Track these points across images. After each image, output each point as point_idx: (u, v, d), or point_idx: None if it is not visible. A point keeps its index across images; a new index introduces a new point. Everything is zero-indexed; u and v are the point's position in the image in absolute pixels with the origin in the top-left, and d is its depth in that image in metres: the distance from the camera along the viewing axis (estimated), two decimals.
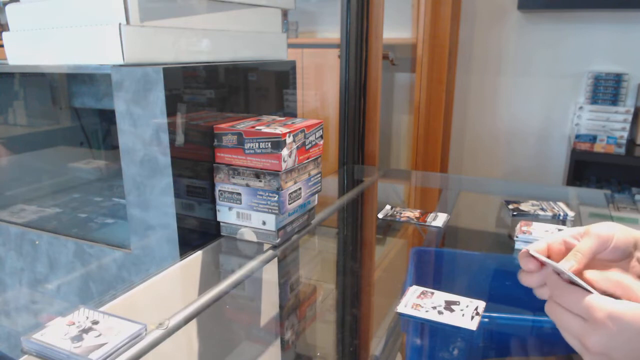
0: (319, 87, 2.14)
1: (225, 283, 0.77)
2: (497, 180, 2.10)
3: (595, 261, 0.50)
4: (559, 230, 0.93)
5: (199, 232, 0.89)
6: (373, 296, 0.83)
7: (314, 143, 0.91)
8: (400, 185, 1.55)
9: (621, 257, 0.51)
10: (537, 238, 0.89)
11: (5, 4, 0.92)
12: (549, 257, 0.51)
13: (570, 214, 1.07)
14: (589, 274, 0.47)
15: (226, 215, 0.90)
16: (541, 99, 2.35)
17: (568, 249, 0.51)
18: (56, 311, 1.04)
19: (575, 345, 0.46)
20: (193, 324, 0.67)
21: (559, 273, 0.47)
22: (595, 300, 0.44)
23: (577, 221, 1.07)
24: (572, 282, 0.46)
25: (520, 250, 0.93)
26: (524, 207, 1.13)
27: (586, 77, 2.20)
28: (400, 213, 1.13)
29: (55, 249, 0.99)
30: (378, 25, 1.53)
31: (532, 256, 0.49)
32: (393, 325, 0.71)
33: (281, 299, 0.79)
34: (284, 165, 0.82)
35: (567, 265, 0.47)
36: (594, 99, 2.16)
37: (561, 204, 1.14)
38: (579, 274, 0.46)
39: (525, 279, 0.51)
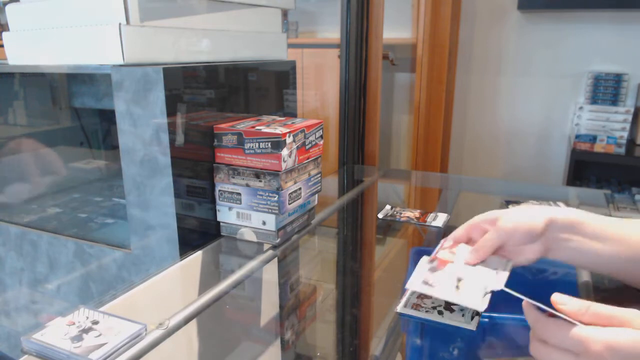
0: (319, 87, 2.14)
1: (225, 283, 0.77)
2: (497, 180, 2.10)
3: (506, 246, 0.57)
4: None
5: (199, 232, 0.89)
6: (373, 296, 0.83)
7: (314, 143, 0.91)
8: (400, 185, 1.55)
9: (530, 241, 0.57)
10: None
11: (5, 4, 0.92)
12: (468, 240, 0.57)
13: None
14: (569, 307, 0.44)
15: (226, 215, 0.90)
16: (541, 99, 2.35)
17: (483, 230, 0.59)
18: (56, 311, 1.04)
19: None
20: (193, 324, 0.67)
21: (540, 308, 0.45)
22: (586, 332, 0.41)
23: None
24: (554, 315, 0.43)
25: None
26: (524, 206, 1.13)
27: (586, 77, 2.20)
28: (400, 213, 1.13)
29: (55, 249, 0.99)
30: (378, 25, 1.53)
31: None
32: (393, 325, 0.71)
33: (281, 299, 0.79)
34: (284, 165, 0.82)
35: (470, 258, 0.56)
36: (594, 99, 2.16)
37: (561, 204, 1.13)
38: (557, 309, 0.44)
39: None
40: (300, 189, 0.89)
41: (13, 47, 0.93)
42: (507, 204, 1.16)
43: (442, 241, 0.68)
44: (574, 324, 0.41)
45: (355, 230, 1.13)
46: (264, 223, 0.87)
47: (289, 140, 0.82)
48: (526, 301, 0.47)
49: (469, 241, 0.62)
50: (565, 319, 0.42)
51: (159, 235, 0.85)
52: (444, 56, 2.16)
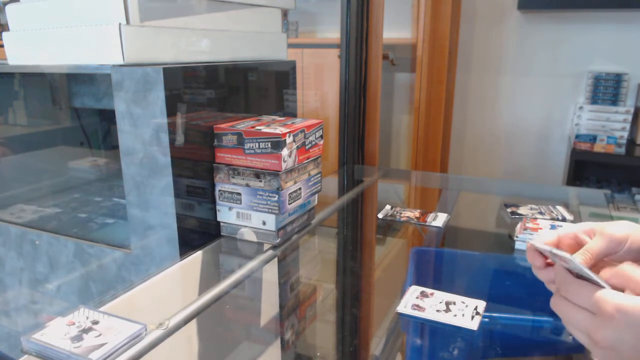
0: (319, 87, 2.14)
1: (225, 283, 0.77)
2: (497, 180, 2.10)
3: (606, 261, 0.49)
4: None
5: (199, 232, 0.89)
6: (373, 296, 0.83)
7: (314, 143, 0.91)
8: (400, 185, 1.55)
9: (636, 258, 0.49)
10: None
11: (5, 4, 0.92)
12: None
13: (569, 217, 1.07)
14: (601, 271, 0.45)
15: (226, 215, 0.90)
16: (541, 99, 2.35)
17: (579, 244, 0.49)
18: (56, 311, 1.04)
19: (583, 340, 0.45)
20: (193, 324, 0.67)
21: (569, 269, 0.46)
22: (604, 294, 0.43)
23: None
24: (581, 277, 0.45)
25: (520, 250, 0.93)
26: (522, 210, 1.13)
27: (586, 77, 2.20)
28: (400, 213, 1.13)
29: (55, 249, 0.99)
30: (378, 25, 1.53)
31: (539, 250, 0.48)
32: (393, 325, 0.71)
33: (281, 299, 0.79)
34: (284, 165, 0.82)
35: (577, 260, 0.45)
36: (594, 99, 2.16)
37: (560, 208, 1.13)
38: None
39: (537, 273, 0.50)
40: (300, 189, 0.89)
41: (13, 47, 0.93)
42: (506, 207, 1.16)
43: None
44: (598, 287, 0.43)
45: (355, 230, 1.13)
46: (264, 223, 0.87)
47: (289, 140, 0.82)
48: (557, 262, 0.47)
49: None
50: (591, 279, 0.44)
51: (159, 235, 0.85)
52: (444, 56, 2.15)
